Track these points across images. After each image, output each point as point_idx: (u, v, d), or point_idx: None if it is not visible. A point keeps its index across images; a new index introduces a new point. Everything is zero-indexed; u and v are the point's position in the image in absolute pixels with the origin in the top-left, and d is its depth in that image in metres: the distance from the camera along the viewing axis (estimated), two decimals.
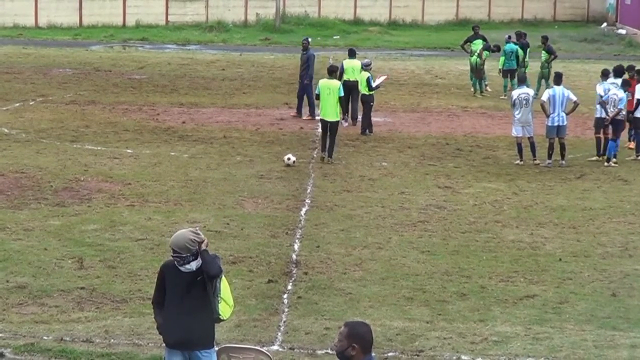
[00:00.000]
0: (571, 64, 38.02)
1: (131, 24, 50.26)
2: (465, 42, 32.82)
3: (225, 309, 9.14)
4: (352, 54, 27.02)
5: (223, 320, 9.24)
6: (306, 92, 26.66)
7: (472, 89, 31.51)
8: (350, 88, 25.19)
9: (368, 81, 24.94)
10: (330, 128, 21.46)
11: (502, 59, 30.73)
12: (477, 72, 31.27)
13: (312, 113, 26.42)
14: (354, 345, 6.84)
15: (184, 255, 8.89)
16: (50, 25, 49.36)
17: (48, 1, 50.05)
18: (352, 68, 26.06)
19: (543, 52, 30.48)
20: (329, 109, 21.44)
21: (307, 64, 26.72)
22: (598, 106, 22.64)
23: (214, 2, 51.92)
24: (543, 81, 29.75)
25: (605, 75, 23.14)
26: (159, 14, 51.25)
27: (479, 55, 30.90)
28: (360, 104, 25.39)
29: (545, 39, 31.00)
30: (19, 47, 42.11)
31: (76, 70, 35.44)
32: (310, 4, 53.12)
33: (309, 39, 28.21)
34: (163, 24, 50.87)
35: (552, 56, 30.48)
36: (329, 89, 21.41)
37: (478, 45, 31.56)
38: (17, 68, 35.48)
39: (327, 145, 21.53)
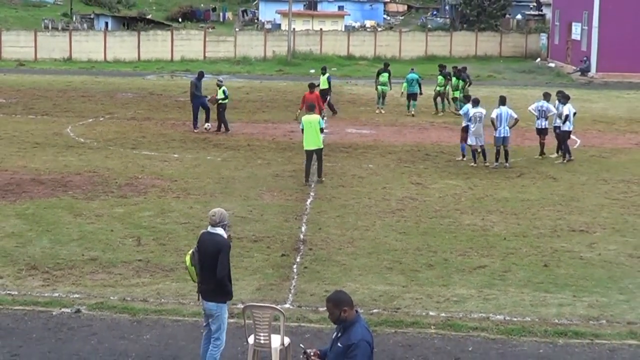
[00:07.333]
0: (513, 90, 37.84)
1: (177, 59, 50.30)
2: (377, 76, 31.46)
3: None
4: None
5: None
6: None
7: (435, 109, 31.22)
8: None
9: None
10: (316, 154, 19.21)
11: (405, 84, 30.32)
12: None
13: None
14: (344, 309, 6.80)
15: None
16: (116, 59, 49.49)
17: (114, 41, 50.27)
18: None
19: (459, 80, 29.26)
20: (313, 140, 18.99)
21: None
22: (537, 118, 22.53)
23: (241, 42, 52.00)
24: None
25: (547, 96, 22.70)
26: (198, 51, 51.33)
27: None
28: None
29: (457, 69, 29.76)
30: (92, 76, 42.10)
31: (135, 94, 35.42)
32: (314, 43, 53.29)
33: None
34: (201, 58, 50.89)
35: (468, 83, 29.68)
36: (310, 123, 18.97)
37: (385, 77, 30.76)
38: (90, 92, 35.47)
39: (317, 169, 19.38)
